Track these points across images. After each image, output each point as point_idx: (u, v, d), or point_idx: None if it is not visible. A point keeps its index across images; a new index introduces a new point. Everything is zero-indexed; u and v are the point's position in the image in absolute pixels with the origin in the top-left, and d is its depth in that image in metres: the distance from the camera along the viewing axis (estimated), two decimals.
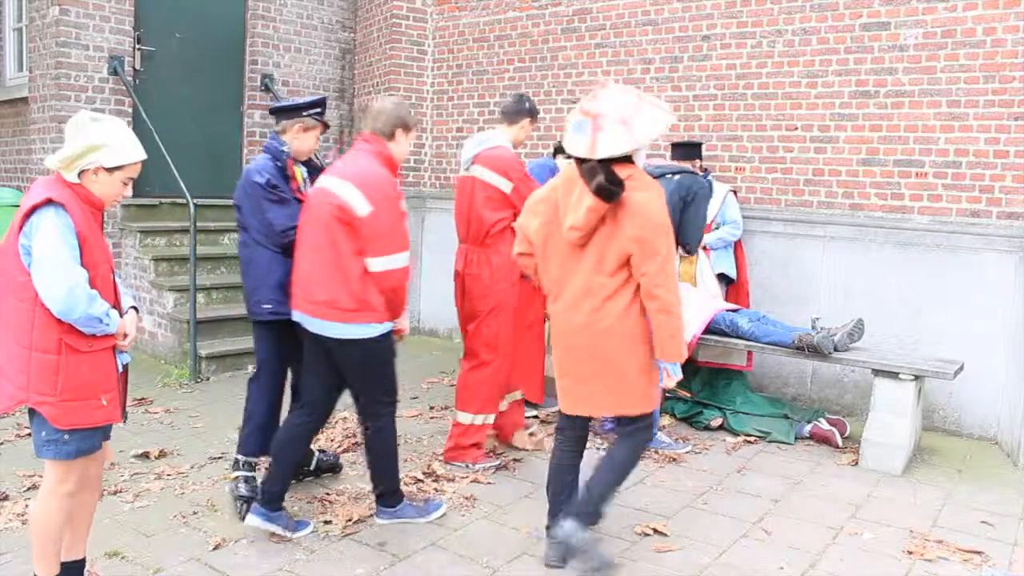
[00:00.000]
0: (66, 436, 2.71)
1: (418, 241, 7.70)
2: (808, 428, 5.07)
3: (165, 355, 6.53)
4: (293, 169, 3.83)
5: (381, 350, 3.55)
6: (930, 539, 3.69)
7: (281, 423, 3.73)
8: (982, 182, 5.13)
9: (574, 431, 3.44)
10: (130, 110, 7.00)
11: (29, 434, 4.79)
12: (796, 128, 5.78)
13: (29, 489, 4.01)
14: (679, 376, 3.26)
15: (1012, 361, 4.91)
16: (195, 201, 6.30)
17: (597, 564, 3.24)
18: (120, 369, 2.83)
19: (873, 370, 4.64)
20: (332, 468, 4.27)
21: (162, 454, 4.54)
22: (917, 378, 4.57)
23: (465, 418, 4.47)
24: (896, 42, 5.37)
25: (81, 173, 2.66)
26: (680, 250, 4.64)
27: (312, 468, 4.18)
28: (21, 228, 2.61)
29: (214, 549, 3.43)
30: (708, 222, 5.20)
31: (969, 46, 5.12)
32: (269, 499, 3.54)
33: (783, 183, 5.84)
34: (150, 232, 6.97)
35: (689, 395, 5.35)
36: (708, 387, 5.42)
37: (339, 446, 4.68)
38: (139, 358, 6.72)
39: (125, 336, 2.78)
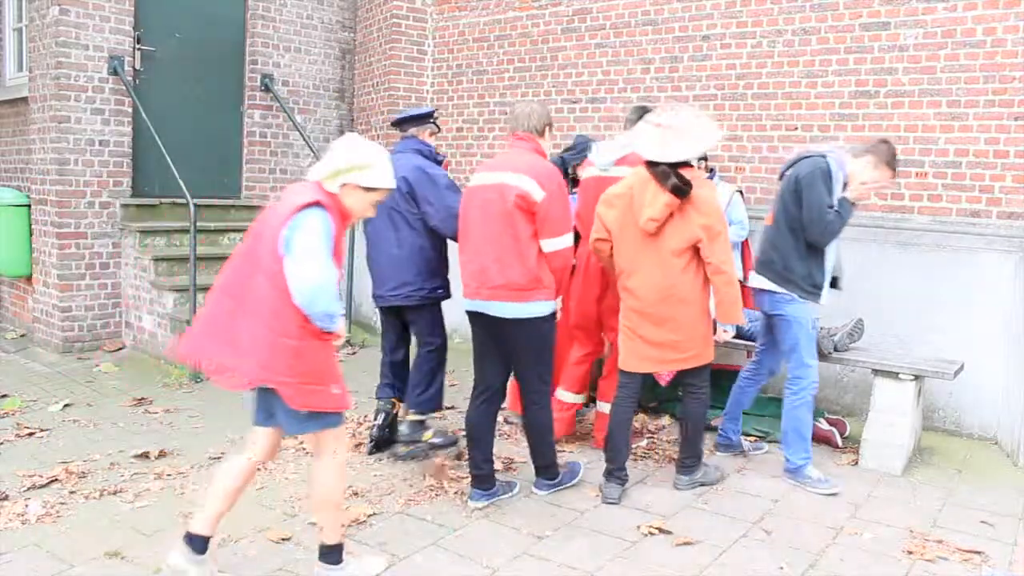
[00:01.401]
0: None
1: None
2: None
3: (165, 355, 6.53)
4: (447, 165, 4.58)
5: (548, 331, 3.92)
6: (930, 539, 3.68)
7: (472, 411, 4.04)
8: (982, 182, 5.13)
9: (633, 387, 4.14)
10: (130, 110, 7.00)
11: (30, 434, 4.84)
12: (796, 128, 5.77)
13: (29, 489, 4.00)
14: (732, 334, 4.17)
15: (1012, 361, 4.91)
16: (195, 201, 6.31)
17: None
18: None
19: (873, 370, 4.64)
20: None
21: (162, 454, 4.54)
22: (917, 378, 4.57)
23: None
24: (896, 42, 5.37)
25: (341, 186, 2.91)
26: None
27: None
28: (287, 221, 2.82)
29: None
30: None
31: (969, 46, 5.12)
32: (484, 480, 3.95)
33: None
34: (150, 232, 6.97)
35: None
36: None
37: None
38: (139, 358, 6.73)
39: (339, 339, 3.01)
